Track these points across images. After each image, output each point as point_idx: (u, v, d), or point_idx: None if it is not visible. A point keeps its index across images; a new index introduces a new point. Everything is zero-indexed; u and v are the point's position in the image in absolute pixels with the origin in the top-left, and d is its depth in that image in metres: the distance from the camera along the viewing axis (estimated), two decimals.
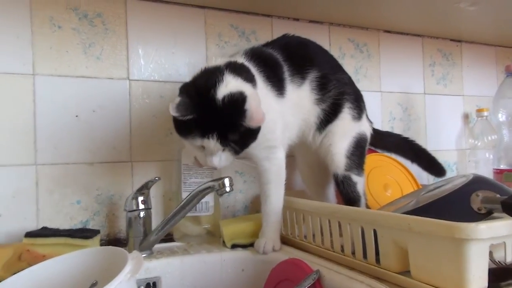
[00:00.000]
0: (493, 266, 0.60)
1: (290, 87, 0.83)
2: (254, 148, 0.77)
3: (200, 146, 0.71)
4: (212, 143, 0.69)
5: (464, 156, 1.44)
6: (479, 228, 0.51)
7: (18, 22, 0.87)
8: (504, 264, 0.60)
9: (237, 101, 0.69)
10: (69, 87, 0.90)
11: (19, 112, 0.86)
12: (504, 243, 0.55)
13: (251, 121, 0.68)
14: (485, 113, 1.33)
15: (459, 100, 1.45)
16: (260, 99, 0.72)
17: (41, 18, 0.88)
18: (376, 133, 1.01)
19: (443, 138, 1.41)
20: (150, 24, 0.99)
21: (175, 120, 0.71)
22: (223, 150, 0.71)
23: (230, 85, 0.70)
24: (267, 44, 0.88)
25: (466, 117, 1.46)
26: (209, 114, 0.69)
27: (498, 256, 0.59)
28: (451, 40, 1.44)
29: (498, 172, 1.16)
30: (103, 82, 0.93)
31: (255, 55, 0.81)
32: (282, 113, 0.80)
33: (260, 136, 0.74)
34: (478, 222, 0.52)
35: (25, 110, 0.87)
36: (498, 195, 0.64)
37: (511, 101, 1.15)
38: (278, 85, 0.80)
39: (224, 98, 0.69)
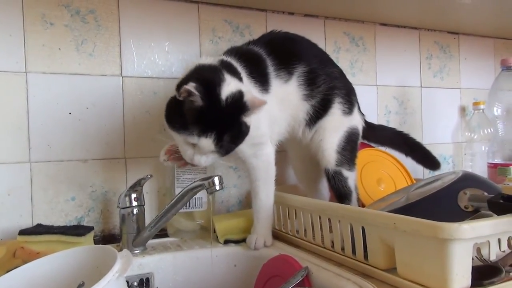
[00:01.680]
0: (479, 263, 0.61)
1: (276, 82, 0.83)
2: (241, 145, 0.78)
3: (192, 143, 0.71)
4: (207, 143, 0.69)
5: (460, 149, 1.44)
6: (462, 228, 0.52)
7: (10, 19, 0.87)
8: (489, 261, 0.60)
9: (237, 98, 0.70)
10: (62, 85, 0.91)
11: (12, 110, 0.87)
12: (488, 242, 0.55)
13: (253, 107, 0.70)
14: (482, 106, 1.33)
15: (456, 93, 1.45)
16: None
17: (33, 16, 0.88)
18: (370, 126, 1.01)
19: (439, 131, 1.41)
20: (143, 20, 0.98)
21: (172, 111, 0.72)
22: (213, 151, 0.71)
23: (231, 85, 0.71)
24: (250, 42, 0.87)
25: (463, 110, 1.45)
26: (213, 111, 0.69)
27: (486, 253, 0.60)
28: (449, 32, 1.43)
29: (492, 166, 1.16)
30: (96, 79, 0.94)
31: (237, 52, 0.81)
32: (267, 109, 0.80)
33: None
34: (461, 222, 0.53)
35: (18, 108, 0.87)
36: (485, 193, 0.65)
37: (507, 95, 1.14)
38: (261, 81, 0.80)
39: (227, 98, 0.69)
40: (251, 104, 0.71)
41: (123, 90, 0.96)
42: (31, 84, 0.88)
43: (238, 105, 0.70)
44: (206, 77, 0.70)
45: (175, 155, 0.78)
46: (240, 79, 0.76)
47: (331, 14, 1.21)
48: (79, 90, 0.92)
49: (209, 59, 0.76)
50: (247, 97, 0.71)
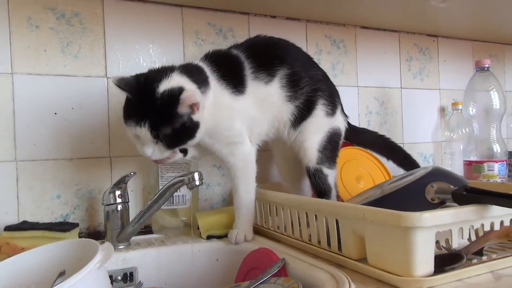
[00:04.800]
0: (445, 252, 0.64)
1: (254, 84, 0.86)
2: (215, 144, 0.82)
3: (134, 134, 0.75)
4: (143, 132, 0.73)
5: (440, 148, 1.48)
6: (423, 217, 0.55)
7: None
8: (453, 250, 0.64)
9: (174, 94, 0.73)
10: (47, 86, 0.93)
11: None
12: (450, 230, 0.59)
13: (182, 104, 0.71)
14: (460, 106, 1.37)
15: (435, 94, 1.49)
16: (214, 96, 0.79)
17: (19, 18, 0.91)
18: (353, 129, 1.04)
19: (419, 131, 1.45)
20: (127, 23, 1.01)
21: (124, 106, 0.76)
22: (156, 142, 0.74)
23: (173, 81, 0.74)
24: (233, 46, 0.91)
25: (442, 110, 1.50)
26: (145, 102, 0.73)
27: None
28: (428, 35, 1.47)
29: (468, 163, 1.20)
30: (81, 80, 0.96)
31: (213, 56, 0.85)
32: (242, 110, 0.83)
33: (218, 133, 0.78)
34: (423, 211, 0.56)
35: (4, 108, 0.89)
36: (451, 186, 0.68)
37: (481, 95, 1.19)
38: (234, 83, 0.83)
39: (164, 92, 0.73)
40: (181, 100, 0.71)
41: (108, 91, 0.99)
42: (17, 85, 0.90)
43: (173, 99, 0.72)
44: (149, 74, 0.77)
45: None
46: (206, 81, 0.79)
47: (312, 18, 1.25)
48: (65, 91, 0.95)
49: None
50: (184, 95, 0.72)
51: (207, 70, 0.82)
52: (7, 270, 0.64)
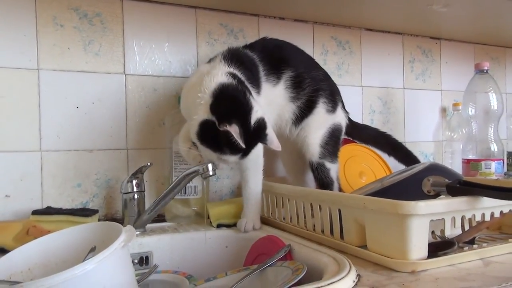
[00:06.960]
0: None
1: (266, 86, 0.91)
2: None
3: (220, 158, 0.78)
4: (235, 158, 0.78)
5: (441, 147, 1.53)
6: (418, 206, 0.60)
7: (25, 21, 0.95)
8: (446, 238, 0.69)
9: (262, 128, 0.79)
10: (70, 81, 0.99)
11: (25, 104, 0.95)
12: (443, 219, 0.64)
13: (271, 145, 0.81)
14: (460, 107, 1.42)
15: (437, 95, 1.54)
16: None
17: (45, 18, 0.97)
18: (355, 126, 1.09)
19: (421, 130, 1.50)
20: (145, 23, 1.07)
21: (207, 133, 0.76)
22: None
23: (258, 112, 0.78)
24: (246, 46, 0.95)
25: (443, 110, 1.55)
26: (244, 139, 0.76)
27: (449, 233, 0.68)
28: (431, 37, 1.52)
29: (466, 162, 1.25)
30: (101, 76, 1.02)
31: (234, 57, 0.86)
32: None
33: None
34: (418, 200, 0.61)
35: (30, 102, 0.96)
36: (446, 180, 0.74)
37: (480, 96, 1.24)
38: (256, 85, 0.88)
39: (254, 123, 0.77)
40: (269, 140, 0.80)
41: (126, 87, 1.05)
42: (42, 80, 0.97)
43: (262, 133, 0.79)
44: (242, 112, 0.76)
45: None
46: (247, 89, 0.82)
47: (319, 20, 1.30)
48: (86, 86, 1.01)
49: (218, 70, 0.81)
50: (269, 130, 0.80)
51: (241, 76, 0.83)
52: (37, 249, 0.70)
